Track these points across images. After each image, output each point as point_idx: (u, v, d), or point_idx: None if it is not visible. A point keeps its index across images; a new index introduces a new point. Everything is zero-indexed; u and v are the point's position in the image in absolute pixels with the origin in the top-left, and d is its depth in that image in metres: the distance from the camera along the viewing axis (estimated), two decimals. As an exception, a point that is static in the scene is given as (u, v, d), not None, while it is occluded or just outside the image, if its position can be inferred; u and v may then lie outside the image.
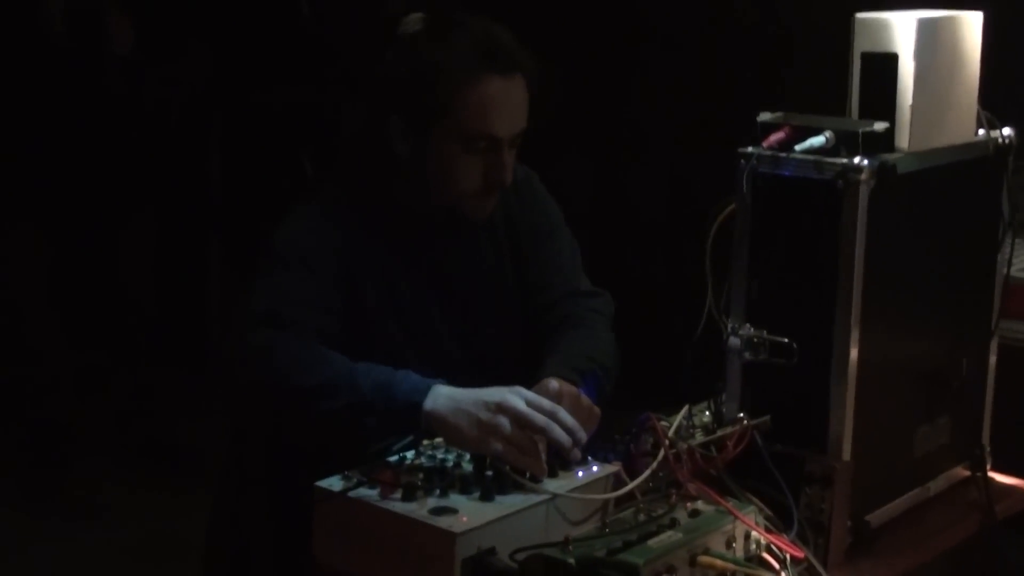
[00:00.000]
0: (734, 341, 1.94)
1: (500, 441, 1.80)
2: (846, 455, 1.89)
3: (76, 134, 4.01)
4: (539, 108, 2.13)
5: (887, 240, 1.89)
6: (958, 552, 2.10)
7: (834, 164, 1.86)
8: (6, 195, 4.09)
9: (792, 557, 1.76)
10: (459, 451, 1.87)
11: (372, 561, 1.74)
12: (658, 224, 4.44)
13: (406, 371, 1.90)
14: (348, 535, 1.77)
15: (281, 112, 4.40)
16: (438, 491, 1.75)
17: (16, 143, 4.00)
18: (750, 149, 1.92)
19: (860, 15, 1.98)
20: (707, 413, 2.02)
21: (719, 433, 1.91)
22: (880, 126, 1.92)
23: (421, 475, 1.79)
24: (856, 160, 1.85)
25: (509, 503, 1.75)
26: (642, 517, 1.75)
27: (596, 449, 1.90)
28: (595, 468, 1.86)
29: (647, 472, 1.83)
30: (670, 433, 1.88)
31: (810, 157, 1.88)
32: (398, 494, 1.74)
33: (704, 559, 1.66)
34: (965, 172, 2.07)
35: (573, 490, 1.80)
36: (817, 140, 1.89)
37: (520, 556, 1.64)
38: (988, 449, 2.20)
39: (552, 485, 1.80)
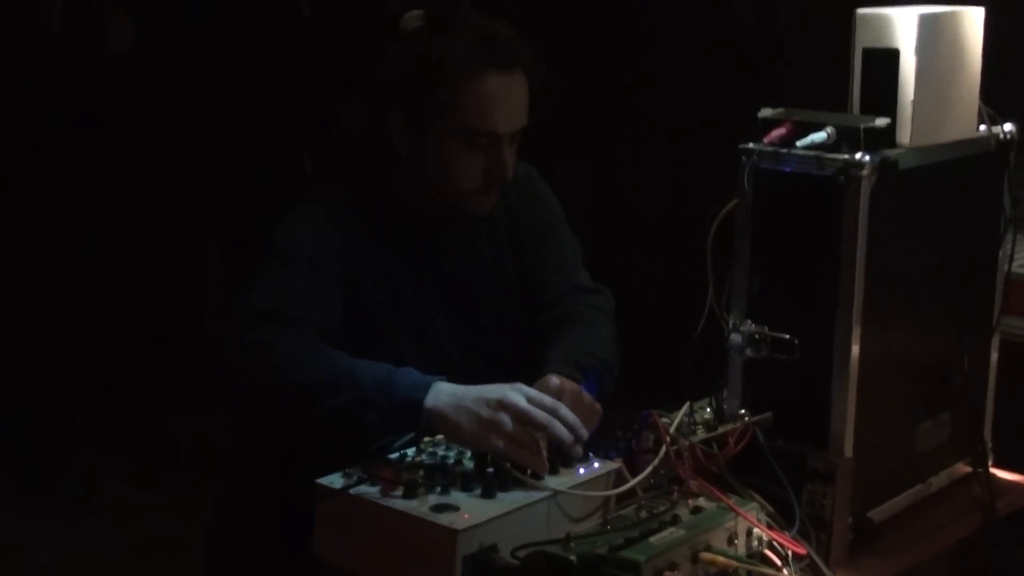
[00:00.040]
0: (735, 337, 1.94)
1: (501, 438, 1.80)
2: (848, 451, 1.89)
3: (75, 132, 4.00)
4: (539, 105, 2.13)
5: (888, 236, 1.89)
6: (960, 548, 2.10)
7: (835, 160, 1.86)
8: (5, 194, 4.08)
9: (794, 554, 1.76)
10: (460, 448, 1.86)
11: (373, 559, 1.74)
12: (659, 221, 4.44)
13: (407, 368, 1.90)
14: (349, 533, 1.76)
15: (281, 110, 4.40)
16: (439, 488, 1.75)
17: (15, 142, 4.00)
18: (751, 145, 1.91)
19: (861, 10, 1.98)
20: (708, 410, 2.02)
21: (721, 430, 1.91)
22: (882, 122, 1.91)
23: (422, 472, 1.79)
24: (857, 156, 1.85)
25: (510, 500, 1.74)
26: (644, 514, 1.75)
27: (597, 446, 1.89)
28: (596, 465, 1.86)
29: (649, 469, 1.82)
30: (671, 430, 1.87)
31: (811, 153, 1.88)
32: (399, 491, 1.74)
33: (706, 556, 1.66)
34: (967, 168, 2.07)
35: (574, 487, 1.80)
36: (818, 136, 1.88)
37: (522, 553, 1.64)
38: (990, 445, 2.20)
39: (553, 482, 1.80)
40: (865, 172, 1.84)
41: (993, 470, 2.19)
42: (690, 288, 1.99)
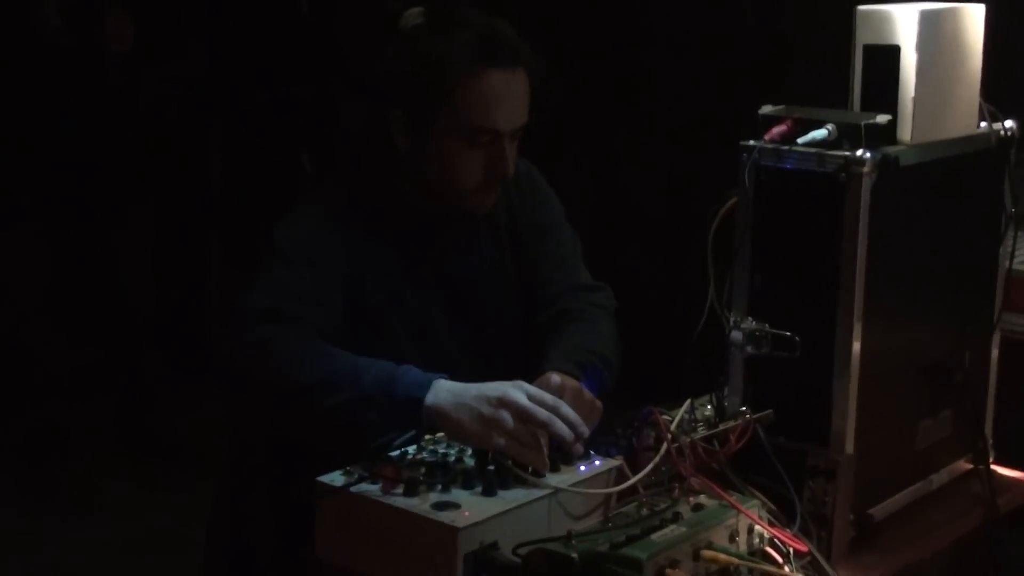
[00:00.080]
0: (736, 335, 1.94)
1: (502, 436, 1.79)
2: (849, 448, 1.89)
3: (74, 132, 4.00)
4: (540, 104, 2.12)
5: (889, 233, 1.89)
6: (961, 545, 2.10)
7: (836, 157, 1.86)
8: (4, 194, 4.08)
9: (795, 551, 1.76)
10: (461, 446, 1.86)
11: (374, 556, 1.74)
12: (659, 218, 4.44)
13: (408, 366, 1.90)
14: (350, 530, 1.76)
15: (280, 109, 4.39)
16: (440, 486, 1.75)
17: (14, 141, 3.99)
18: (752, 142, 1.91)
19: (862, 7, 1.98)
20: (709, 407, 2.02)
21: (722, 427, 1.91)
22: (882, 119, 1.91)
23: (423, 470, 1.79)
24: (858, 153, 1.84)
25: (511, 498, 1.74)
26: (645, 511, 1.75)
27: (598, 443, 1.89)
28: (597, 462, 1.86)
29: (650, 466, 1.82)
30: (672, 427, 1.87)
31: (812, 150, 1.88)
32: (400, 489, 1.74)
33: (707, 553, 1.66)
34: (967, 165, 2.07)
35: (575, 484, 1.80)
36: (819, 133, 1.88)
37: (523, 551, 1.64)
38: (990, 442, 2.20)
39: (554, 479, 1.80)
40: (866, 169, 1.84)
41: (994, 467, 2.19)
42: (691, 286, 1.99)
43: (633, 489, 1.82)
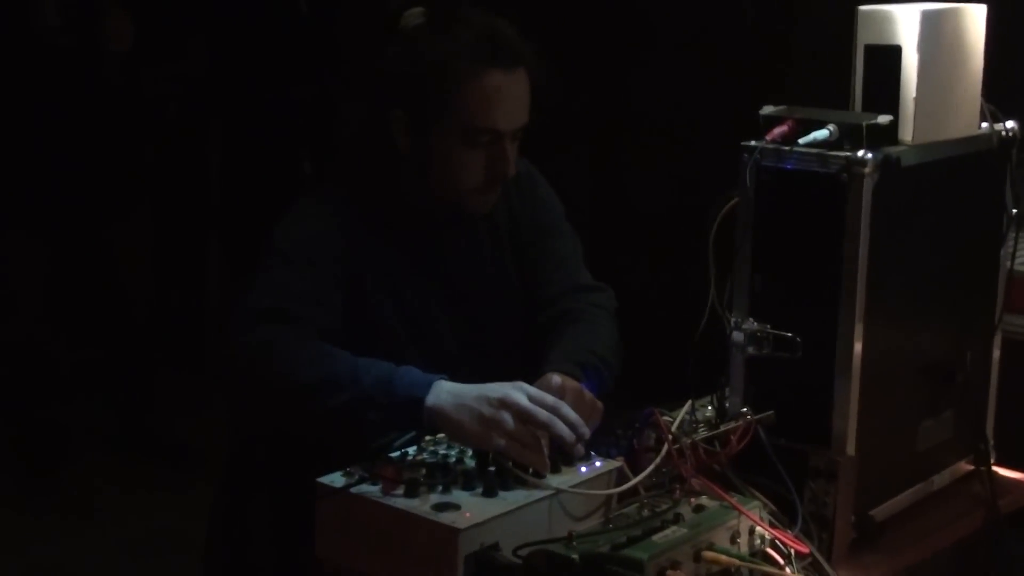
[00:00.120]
0: (737, 336, 1.94)
1: (503, 436, 1.79)
2: (850, 450, 1.89)
3: (73, 131, 3.99)
4: (540, 104, 2.12)
5: (891, 234, 1.89)
6: (962, 547, 2.10)
7: (838, 157, 1.86)
8: (3, 193, 4.08)
9: (796, 552, 1.76)
10: (461, 447, 1.86)
11: (374, 557, 1.74)
12: (660, 219, 4.43)
13: (408, 367, 1.89)
14: (350, 531, 1.76)
15: (280, 109, 4.39)
16: (441, 487, 1.75)
17: (13, 141, 3.99)
18: (753, 143, 1.91)
19: (863, 7, 1.98)
20: (710, 408, 2.02)
21: (723, 428, 1.91)
22: (884, 119, 1.91)
23: (423, 471, 1.78)
24: (860, 153, 1.84)
25: (512, 499, 1.74)
26: (646, 512, 1.75)
27: (599, 444, 1.89)
28: (598, 463, 1.85)
29: (651, 467, 1.82)
30: (673, 428, 1.87)
31: (813, 150, 1.88)
32: (400, 490, 1.74)
33: (708, 554, 1.66)
34: (969, 165, 2.07)
35: (576, 485, 1.79)
36: (821, 133, 1.88)
37: (524, 552, 1.64)
38: (992, 443, 2.20)
39: (555, 481, 1.79)
40: (867, 169, 1.84)
41: (995, 468, 2.19)
42: (692, 286, 1.99)
43: (634, 490, 1.81)
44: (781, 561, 1.74)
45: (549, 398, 1.85)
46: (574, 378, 1.97)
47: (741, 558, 1.69)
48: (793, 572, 1.73)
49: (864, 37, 1.98)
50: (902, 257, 1.94)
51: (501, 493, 1.75)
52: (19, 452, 4.12)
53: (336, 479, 1.78)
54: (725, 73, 4.16)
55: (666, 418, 1.89)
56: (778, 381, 1.92)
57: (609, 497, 1.82)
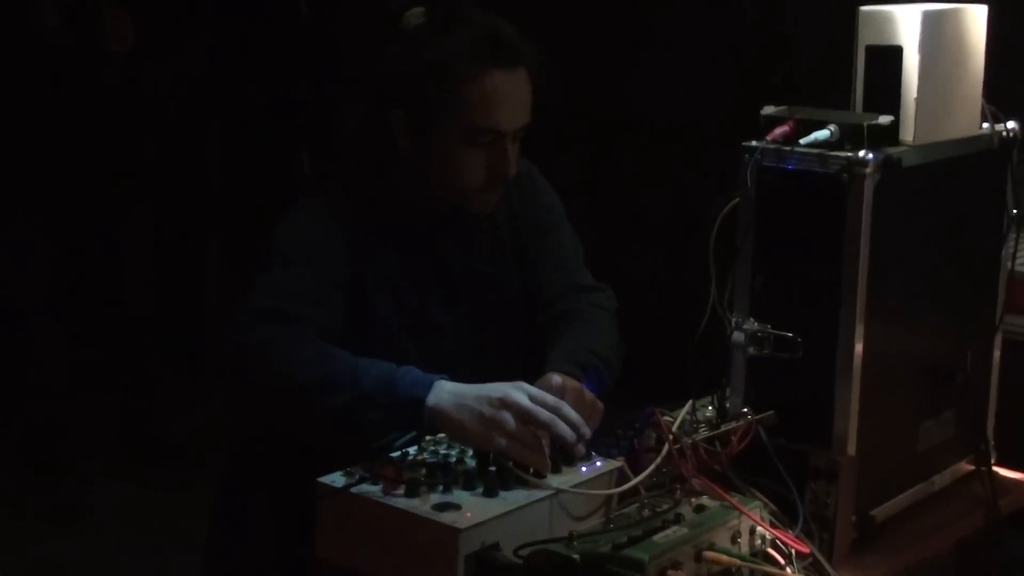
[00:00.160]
0: (738, 336, 1.94)
1: (503, 436, 1.79)
2: (851, 450, 1.89)
3: (74, 130, 3.99)
4: (541, 103, 2.12)
5: (891, 234, 1.89)
6: (962, 547, 2.10)
7: (839, 158, 1.85)
8: (4, 193, 4.08)
9: (797, 552, 1.76)
10: (462, 447, 1.86)
11: (375, 557, 1.74)
12: (661, 219, 4.44)
13: (408, 367, 1.89)
14: (351, 531, 1.76)
15: (279, 109, 4.39)
16: (441, 487, 1.75)
17: (14, 140, 3.99)
18: (754, 143, 1.91)
19: (864, 8, 1.98)
20: (711, 408, 2.02)
21: (723, 428, 1.91)
22: (885, 119, 1.91)
23: (424, 471, 1.78)
24: (861, 154, 1.84)
25: (513, 499, 1.74)
26: (646, 512, 1.74)
27: (600, 444, 1.89)
28: (599, 463, 1.85)
29: (651, 467, 1.82)
30: (674, 428, 1.87)
31: (814, 151, 1.88)
32: (401, 490, 1.73)
33: (709, 554, 1.66)
34: (969, 166, 2.07)
35: (577, 485, 1.79)
36: (821, 134, 1.88)
37: (524, 552, 1.64)
38: (992, 443, 2.20)
39: (556, 480, 1.79)
40: (868, 170, 1.84)
41: (996, 468, 2.19)
42: (692, 286, 1.99)
43: (635, 490, 1.81)
44: (782, 561, 1.74)
45: (550, 398, 1.84)
46: (574, 378, 1.97)
47: (742, 558, 1.69)
48: (794, 572, 1.73)
49: (865, 37, 1.97)
50: (903, 257, 1.94)
51: (502, 493, 1.74)
52: (19, 452, 4.12)
53: (336, 479, 1.78)
54: (725, 73, 4.16)
55: (667, 418, 1.89)
56: (779, 381, 1.92)
57: (610, 497, 1.82)
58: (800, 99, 2.00)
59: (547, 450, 1.81)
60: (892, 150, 1.89)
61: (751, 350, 1.93)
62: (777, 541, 1.76)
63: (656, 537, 1.64)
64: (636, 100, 4.50)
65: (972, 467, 2.18)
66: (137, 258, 4.49)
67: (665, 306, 3.74)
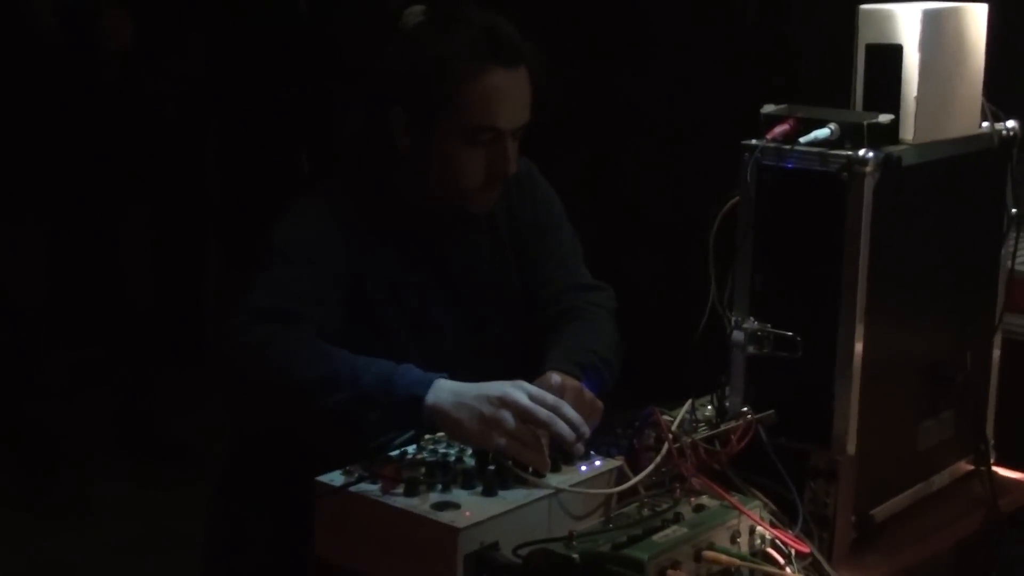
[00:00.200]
0: (738, 335, 1.93)
1: (503, 435, 1.79)
2: (850, 449, 1.88)
3: (72, 130, 3.99)
4: (541, 103, 2.12)
5: (891, 233, 1.88)
6: (962, 547, 2.10)
7: (839, 156, 1.85)
8: (2, 192, 4.07)
9: (797, 552, 1.75)
10: (461, 446, 1.86)
11: (374, 556, 1.73)
12: (661, 218, 4.43)
13: (408, 365, 1.89)
14: (349, 530, 1.76)
15: (278, 108, 4.39)
16: (440, 486, 1.74)
17: (12, 139, 3.99)
18: (754, 141, 1.91)
19: (864, 6, 1.98)
20: (710, 407, 2.01)
21: (723, 427, 1.90)
22: (885, 118, 1.91)
23: (423, 470, 1.78)
24: (861, 153, 1.84)
25: (512, 498, 1.74)
26: (646, 512, 1.74)
27: (599, 443, 1.89)
28: (598, 463, 1.85)
29: (651, 467, 1.82)
30: (673, 427, 1.87)
31: (814, 149, 1.88)
32: (400, 489, 1.73)
33: (709, 554, 1.66)
34: (970, 165, 2.06)
35: (576, 485, 1.79)
36: (822, 132, 1.88)
37: (524, 551, 1.64)
38: (992, 443, 2.19)
39: (555, 480, 1.79)
40: (868, 169, 1.83)
41: (995, 468, 2.18)
42: (692, 285, 1.99)
43: (634, 489, 1.81)
44: (781, 561, 1.74)
45: (549, 397, 1.84)
46: (574, 377, 1.97)
47: (741, 558, 1.69)
48: (793, 572, 1.73)
49: (865, 36, 1.97)
50: (903, 257, 1.94)
51: (501, 492, 1.74)
52: (18, 451, 4.11)
53: (335, 478, 1.78)
54: (726, 72, 4.15)
55: (666, 417, 1.88)
56: (778, 380, 1.91)
57: (609, 496, 1.81)
58: (800, 98, 2.00)
59: (546, 449, 1.81)
60: (892, 149, 1.89)
61: (751, 349, 1.92)
62: (777, 541, 1.75)
63: (655, 537, 1.64)
64: (636, 99, 4.49)
65: (972, 467, 2.17)
66: (136, 257, 4.49)
67: (665, 305, 3.74)
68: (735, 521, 1.72)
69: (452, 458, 1.83)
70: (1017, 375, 2.28)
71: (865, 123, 1.88)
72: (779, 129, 1.90)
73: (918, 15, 1.93)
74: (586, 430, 1.85)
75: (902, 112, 1.94)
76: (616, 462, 1.86)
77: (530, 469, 1.79)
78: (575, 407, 1.86)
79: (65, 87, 3.94)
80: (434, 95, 2.04)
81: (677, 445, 1.83)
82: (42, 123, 3.97)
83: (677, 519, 1.69)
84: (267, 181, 4.37)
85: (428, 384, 1.85)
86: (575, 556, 1.60)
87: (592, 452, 1.87)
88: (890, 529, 1.98)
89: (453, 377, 1.88)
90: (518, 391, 1.82)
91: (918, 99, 1.94)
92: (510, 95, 2.05)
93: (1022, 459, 2.25)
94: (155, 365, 4.34)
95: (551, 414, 1.81)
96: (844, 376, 1.87)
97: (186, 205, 4.63)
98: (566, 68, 3.93)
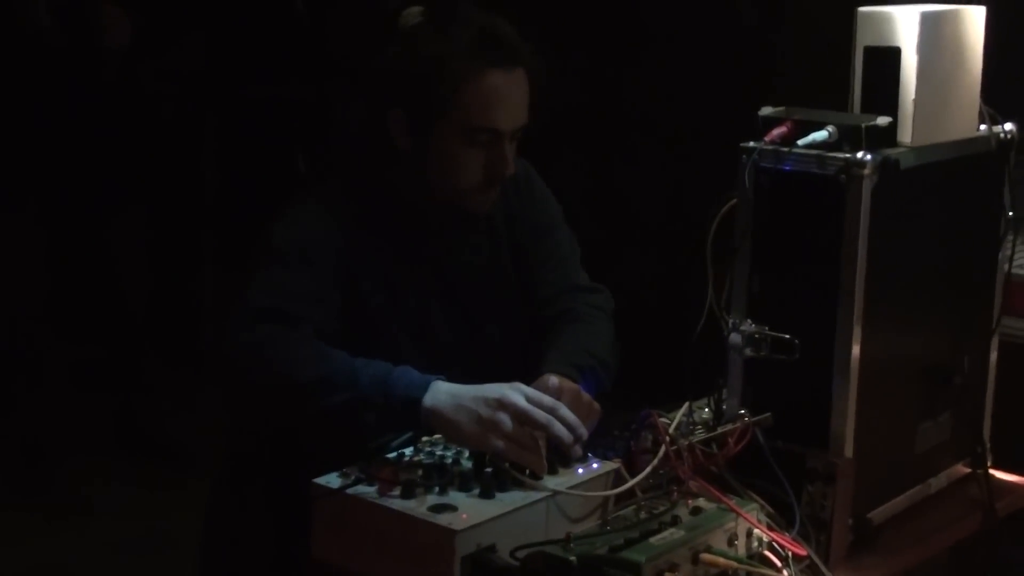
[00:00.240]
0: (735, 337, 1.93)
1: (500, 438, 1.79)
2: (848, 452, 1.88)
3: (69, 129, 3.99)
4: (539, 104, 2.12)
5: (889, 236, 1.88)
6: (959, 549, 2.10)
7: (837, 159, 1.85)
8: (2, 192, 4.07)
9: (794, 554, 1.75)
10: (458, 448, 1.86)
11: (371, 558, 1.73)
12: (658, 220, 4.43)
13: (405, 367, 1.89)
14: (346, 532, 1.76)
15: (275, 107, 4.39)
16: (437, 488, 1.74)
17: (8, 138, 3.98)
18: (752, 144, 1.91)
19: (863, 9, 1.98)
20: (708, 410, 2.01)
21: (720, 430, 1.90)
22: (883, 121, 1.91)
23: (420, 472, 1.78)
24: (859, 155, 1.84)
25: (509, 500, 1.73)
26: (643, 514, 1.74)
27: (596, 446, 1.88)
28: (595, 465, 1.85)
29: (648, 469, 1.82)
30: (671, 430, 1.87)
31: (812, 152, 1.88)
32: (397, 491, 1.73)
33: (706, 557, 1.65)
34: (967, 167, 2.06)
35: (573, 487, 1.79)
36: (819, 135, 1.88)
37: (521, 554, 1.63)
38: (989, 446, 2.20)
39: (552, 482, 1.79)
40: (866, 171, 1.83)
41: (992, 471, 2.19)
42: (690, 288, 1.98)
43: (631, 492, 1.81)
44: (779, 563, 1.73)
45: (547, 399, 1.84)
46: (571, 379, 1.97)
47: (739, 560, 1.69)
48: (791, 574, 1.73)
49: (863, 39, 1.97)
50: (900, 259, 1.94)
51: (498, 494, 1.74)
52: (15, 450, 4.11)
53: (332, 480, 1.78)
54: (723, 74, 4.15)
55: (663, 420, 1.88)
56: (776, 383, 1.91)
57: (606, 499, 1.81)
58: (798, 100, 2.00)
59: (544, 451, 1.81)
60: (890, 151, 1.89)
61: (748, 351, 1.92)
62: (774, 543, 1.75)
63: (653, 539, 1.63)
64: (634, 100, 4.49)
65: (969, 470, 2.18)
66: (133, 256, 4.48)
67: (662, 307, 3.73)
68: (732, 524, 1.72)
69: (449, 460, 1.83)
70: (1014, 378, 2.28)
71: (863, 125, 1.88)
72: (777, 131, 1.90)
73: (916, 18, 1.93)
74: (583, 432, 1.85)
75: (900, 114, 1.94)
76: (613, 464, 1.86)
77: (527, 471, 1.79)
78: (573, 409, 1.86)
79: (62, 86, 3.93)
80: (432, 96, 2.03)
81: (674, 447, 1.83)
82: (38, 122, 3.96)
83: (674, 522, 1.69)
84: (264, 181, 4.36)
85: (425, 386, 1.85)
86: (572, 559, 1.60)
87: (589, 454, 1.87)
88: (887, 532, 1.98)
89: (450, 378, 1.88)
90: (515, 393, 1.82)
91: (916, 102, 1.94)
92: (509, 96, 2.05)
93: (1019, 462, 2.25)
94: (152, 364, 4.34)
95: (549, 416, 1.81)
96: (842, 379, 1.87)
97: (183, 205, 4.62)
98: (565, 69, 3.93)
